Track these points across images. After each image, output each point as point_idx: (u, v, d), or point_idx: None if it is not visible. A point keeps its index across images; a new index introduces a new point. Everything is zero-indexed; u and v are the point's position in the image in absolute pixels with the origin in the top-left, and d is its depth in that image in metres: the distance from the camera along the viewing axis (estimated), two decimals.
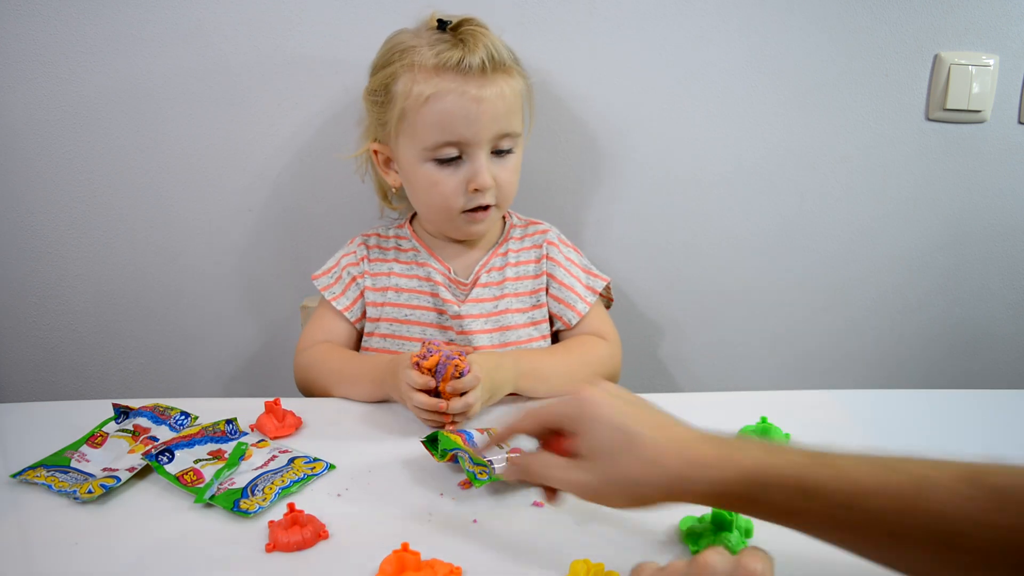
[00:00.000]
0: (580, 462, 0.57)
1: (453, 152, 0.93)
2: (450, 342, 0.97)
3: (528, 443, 0.73)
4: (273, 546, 0.62)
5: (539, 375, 0.90)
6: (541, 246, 1.04)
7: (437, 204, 0.96)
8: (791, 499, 0.50)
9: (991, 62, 1.15)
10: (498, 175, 0.95)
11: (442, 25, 0.93)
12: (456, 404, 0.80)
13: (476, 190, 0.93)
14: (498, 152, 0.95)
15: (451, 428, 0.78)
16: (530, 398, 0.90)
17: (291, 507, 0.64)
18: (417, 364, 0.80)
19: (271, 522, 0.64)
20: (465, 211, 0.96)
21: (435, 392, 0.81)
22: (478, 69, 0.89)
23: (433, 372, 0.80)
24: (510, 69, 0.93)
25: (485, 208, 0.96)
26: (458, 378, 0.79)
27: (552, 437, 0.61)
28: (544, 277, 1.02)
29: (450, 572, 0.59)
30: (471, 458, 0.69)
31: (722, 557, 0.46)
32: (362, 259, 1.03)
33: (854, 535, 0.50)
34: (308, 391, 0.98)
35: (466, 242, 1.03)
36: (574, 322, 1.01)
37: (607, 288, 1.05)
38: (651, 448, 0.54)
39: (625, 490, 0.55)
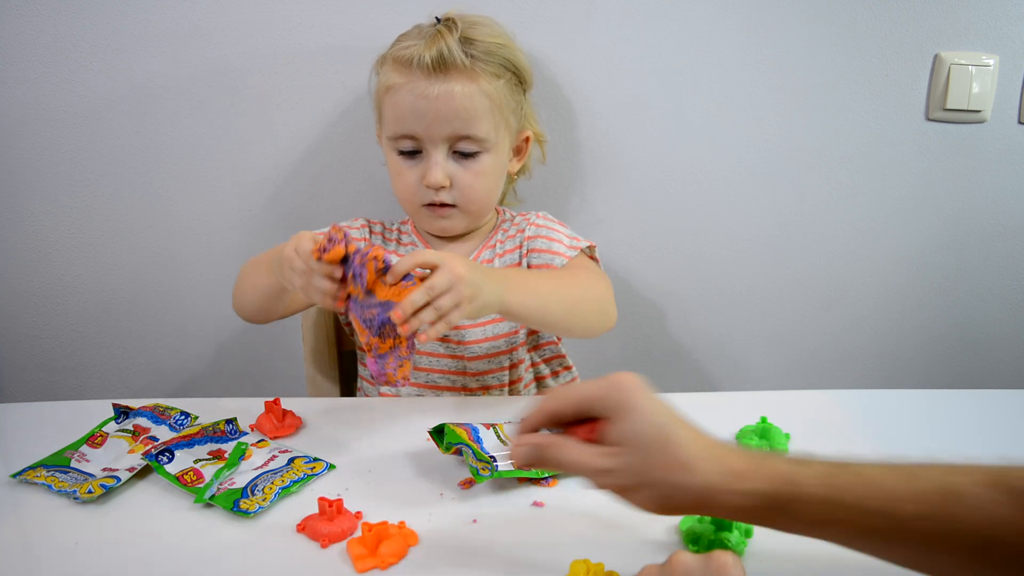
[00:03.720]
0: (608, 449, 0.53)
1: (409, 145, 0.94)
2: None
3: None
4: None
5: (529, 288, 0.83)
6: (523, 229, 1.02)
7: (400, 194, 0.98)
8: (822, 509, 0.50)
9: (991, 62, 1.15)
10: (457, 176, 0.94)
11: (439, 20, 0.94)
12: (416, 296, 0.67)
13: (428, 186, 0.94)
14: (461, 153, 0.94)
15: (399, 376, 0.70)
16: (518, 320, 0.86)
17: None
18: (319, 257, 0.69)
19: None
20: (425, 205, 0.96)
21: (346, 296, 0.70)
22: (427, 67, 0.90)
23: (340, 264, 0.69)
24: (469, 71, 0.91)
25: (443, 205, 0.96)
26: (384, 271, 0.67)
27: (577, 427, 0.56)
28: (525, 250, 1.00)
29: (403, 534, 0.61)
30: (475, 454, 0.69)
31: (692, 556, 0.47)
32: (364, 226, 1.03)
33: (886, 544, 0.50)
34: (238, 305, 0.97)
35: (461, 237, 1.03)
36: (559, 264, 0.97)
37: (591, 249, 1.01)
38: (687, 450, 0.51)
39: (654, 491, 0.52)
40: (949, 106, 1.16)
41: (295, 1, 1.10)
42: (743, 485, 0.50)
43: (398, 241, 1.05)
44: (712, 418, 0.83)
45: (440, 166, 0.93)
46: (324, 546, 0.63)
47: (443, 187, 0.94)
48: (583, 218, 1.22)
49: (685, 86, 1.16)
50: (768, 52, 1.15)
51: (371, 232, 1.04)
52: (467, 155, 0.94)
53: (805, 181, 1.22)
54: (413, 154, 0.95)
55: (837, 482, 0.50)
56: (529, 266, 0.99)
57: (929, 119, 1.19)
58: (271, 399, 0.82)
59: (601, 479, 0.54)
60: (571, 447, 0.54)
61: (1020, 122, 1.19)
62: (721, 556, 0.46)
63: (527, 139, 1.03)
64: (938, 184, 1.22)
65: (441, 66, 0.90)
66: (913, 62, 1.16)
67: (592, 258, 1.02)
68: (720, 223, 1.23)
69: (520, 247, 1.01)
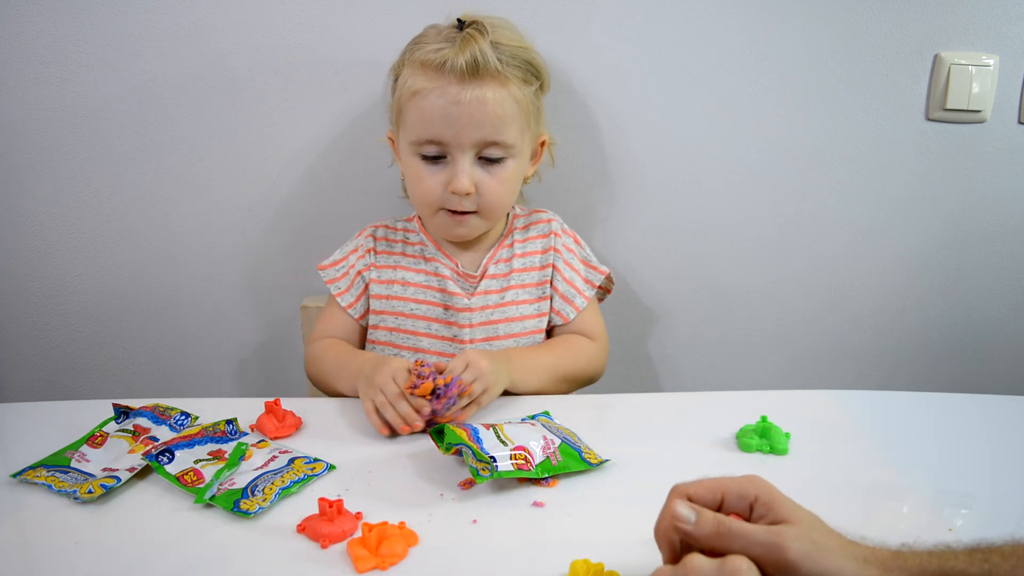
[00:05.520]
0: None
1: (434, 150, 0.93)
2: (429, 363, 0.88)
3: (534, 433, 0.73)
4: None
5: (530, 369, 0.92)
6: (547, 236, 1.04)
7: (420, 199, 0.97)
8: None
9: (991, 62, 1.15)
10: (483, 183, 0.94)
11: (460, 24, 0.93)
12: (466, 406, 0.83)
13: (454, 192, 0.93)
14: (487, 159, 0.94)
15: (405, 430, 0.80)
16: (517, 393, 0.91)
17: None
18: (411, 391, 0.80)
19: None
20: (445, 209, 0.96)
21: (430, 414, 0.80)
22: (461, 71, 0.89)
23: (428, 398, 0.79)
24: (501, 77, 0.91)
25: (464, 213, 0.96)
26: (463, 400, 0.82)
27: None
28: (550, 269, 1.02)
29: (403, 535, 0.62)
30: (475, 454, 0.69)
31: (707, 560, 0.47)
32: (368, 251, 1.03)
33: None
34: (316, 385, 1.00)
35: (473, 240, 1.02)
36: (572, 317, 1.01)
37: (607, 278, 1.06)
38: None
39: None
40: (949, 106, 1.16)
41: (295, 1, 1.10)
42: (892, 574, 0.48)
43: (405, 242, 1.04)
44: (712, 418, 0.84)
45: (467, 173, 0.92)
46: (324, 547, 0.63)
47: (469, 193, 0.93)
48: (584, 218, 1.22)
49: (685, 86, 1.16)
50: (768, 52, 1.15)
51: (375, 240, 1.04)
52: (492, 160, 0.94)
53: (805, 181, 1.22)
54: (436, 159, 0.94)
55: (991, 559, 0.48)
56: (551, 284, 1.02)
57: (929, 119, 1.19)
58: (271, 399, 0.82)
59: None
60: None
61: (1020, 122, 1.19)
62: (735, 561, 0.46)
63: (543, 143, 1.03)
64: (938, 184, 1.22)
65: (475, 71, 0.89)
66: (913, 62, 1.16)
67: (602, 287, 1.07)
68: (720, 223, 1.23)
69: (545, 252, 1.03)
